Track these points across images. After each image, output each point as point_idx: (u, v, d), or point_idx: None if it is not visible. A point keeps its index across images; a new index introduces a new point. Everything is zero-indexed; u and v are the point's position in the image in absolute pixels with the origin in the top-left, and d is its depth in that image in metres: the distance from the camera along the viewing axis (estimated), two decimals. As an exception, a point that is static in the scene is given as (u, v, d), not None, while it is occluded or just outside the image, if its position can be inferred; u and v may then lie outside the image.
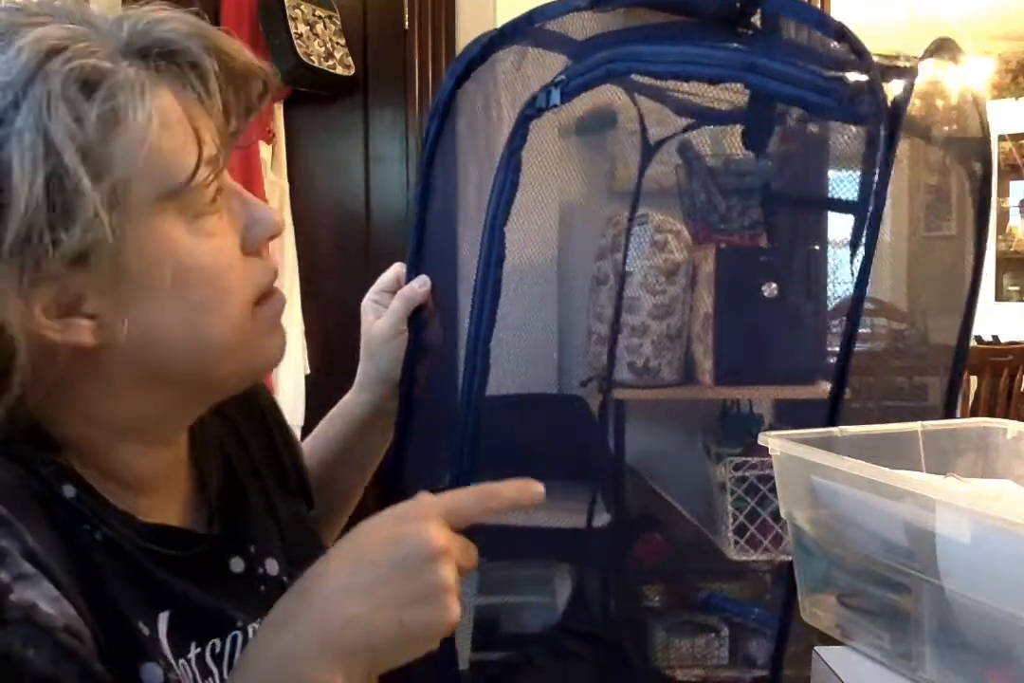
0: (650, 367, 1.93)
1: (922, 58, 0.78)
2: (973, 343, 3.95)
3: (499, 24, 0.81)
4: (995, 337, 4.19)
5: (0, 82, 0.53)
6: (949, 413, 0.97)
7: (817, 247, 1.79)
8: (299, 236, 2.45)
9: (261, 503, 0.75)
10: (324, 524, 0.88)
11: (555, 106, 0.70)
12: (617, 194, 2.01)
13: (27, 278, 0.54)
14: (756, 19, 0.78)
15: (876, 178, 0.73)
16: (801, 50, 0.78)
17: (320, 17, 2.37)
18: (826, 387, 0.83)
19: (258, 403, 0.82)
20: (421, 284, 0.84)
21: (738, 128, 0.89)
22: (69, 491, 0.58)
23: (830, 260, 1.70)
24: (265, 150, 2.35)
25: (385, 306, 0.86)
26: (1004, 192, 5.30)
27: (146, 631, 0.58)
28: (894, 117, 0.71)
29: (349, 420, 0.91)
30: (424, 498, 0.58)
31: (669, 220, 1.91)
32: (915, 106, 0.72)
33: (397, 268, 0.88)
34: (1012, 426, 0.83)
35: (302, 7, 2.32)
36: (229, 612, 0.65)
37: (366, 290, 0.91)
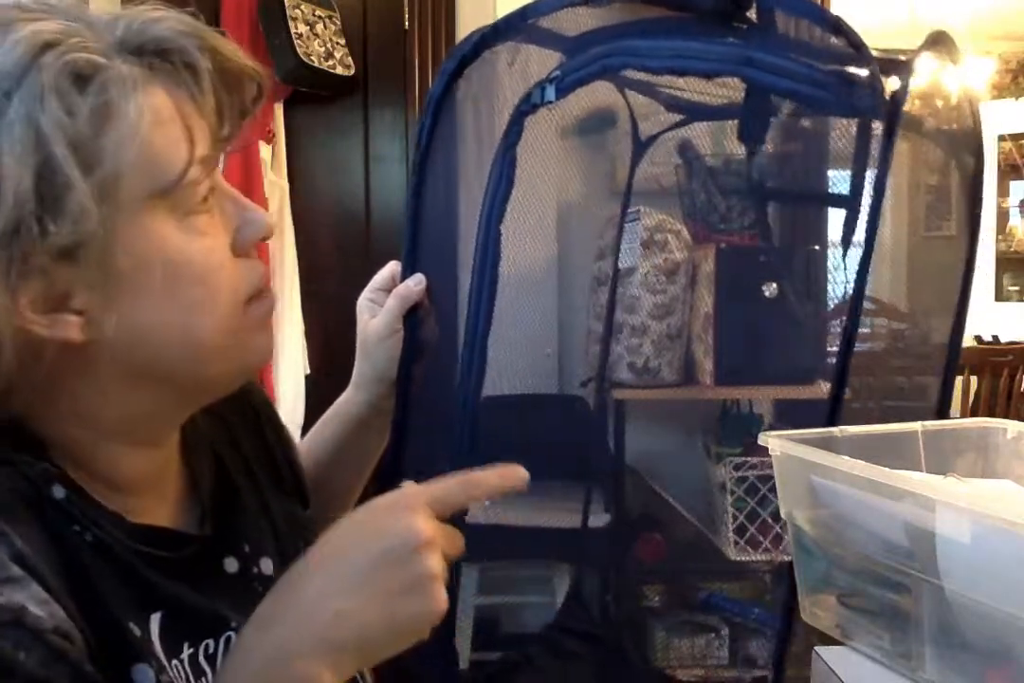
0: (650, 367, 1.93)
1: (918, 51, 0.77)
2: (973, 343, 3.95)
3: (499, 24, 0.80)
4: (995, 337, 4.19)
5: None
6: (943, 414, 0.96)
7: (817, 247, 1.79)
8: (299, 236, 2.45)
9: (255, 503, 0.75)
10: (322, 524, 0.88)
11: (550, 102, 0.69)
12: (617, 195, 2.01)
13: (14, 271, 0.53)
14: (752, 14, 0.78)
15: (873, 172, 0.73)
16: (798, 44, 0.77)
17: (320, 17, 2.37)
18: (826, 387, 0.83)
19: (251, 402, 0.81)
20: (416, 282, 0.84)
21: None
22: (59, 492, 0.58)
23: (830, 260, 1.69)
24: (265, 150, 2.36)
25: (381, 305, 0.86)
26: (1004, 192, 5.29)
27: (137, 632, 0.58)
28: (893, 111, 0.71)
29: (346, 419, 0.91)
30: (409, 488, 0.58)
31: (669, 220, 1.91)
32: (909, 101, 0.72)
33: (392, 266, 0.88)
34: (1012, 426, 0.83)
35: (302, 7, 2.32)
36: (222, 612, 0.65)
37: (366, 290, 0.90)
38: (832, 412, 0.81)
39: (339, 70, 2.37)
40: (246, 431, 0.79)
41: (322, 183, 2.54)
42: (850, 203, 0.75)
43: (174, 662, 0.60)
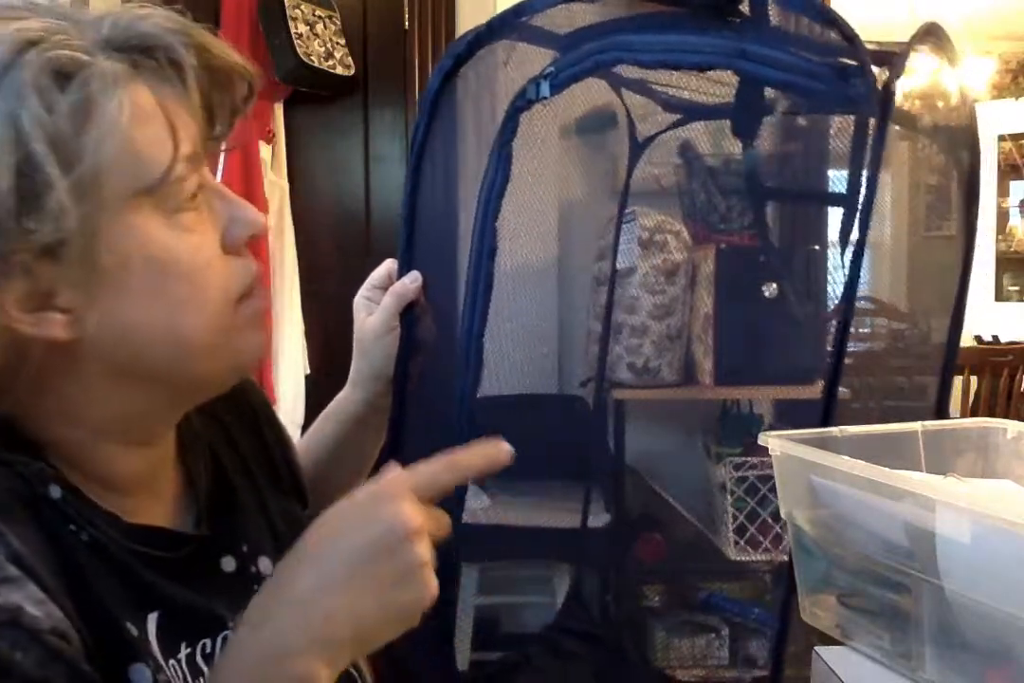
0: (650, 367, 1.93)
1: (911, 42, 0.77)
2: (973, 343, 3.94)
3: (499, 24, 0.80)
4: (995, 337, 4.19)
5: None
6: (942, 413, 0.96)
7: (817, 247, 1.79)
8: (299, 236, 2.45)
9: (252, 502, 0.74)
10: None
11: (544, 98, 0.69)
12: (617, 195, 2.01)
13: None
14: (745, 7, 0.78)
15: (868, 166, 0.73)
16: (791, 37, 0.77)
17: (320, 17, 2.37)
18: (826, 387, 0.83)
19: (250, 402, 0.81)
20: (412, 280, 0.84)
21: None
22: (55, 492, 0.57)
23: (830, 260, 1.69)
24: (265, 150, 2.35)
25: (377, 303, 0.86)
26: (1004, 192, 5.29)
27: (134, 632, 0.58)
28: (885, 100, 0.70)
29: (343, 418, 0.91)
30: (392, 475, 0.58)
31: (668, 220, 1.91)
32: (908, 100, 0.72)
33: (389, 264, 0.88)
34: (1012, 426, 0.83)
35: (302, 7, 2.32)
36: (219, 612, 0.65)
37: (366, 290, 0.90)
38: (826, 410, 0.80)
39: (339, 70, 2.37)
40: (244, 431, 0.79)
41: (322, 183, 2.54)
42: (848, 201, 0.74)
43: (171, 662, 0.60)
